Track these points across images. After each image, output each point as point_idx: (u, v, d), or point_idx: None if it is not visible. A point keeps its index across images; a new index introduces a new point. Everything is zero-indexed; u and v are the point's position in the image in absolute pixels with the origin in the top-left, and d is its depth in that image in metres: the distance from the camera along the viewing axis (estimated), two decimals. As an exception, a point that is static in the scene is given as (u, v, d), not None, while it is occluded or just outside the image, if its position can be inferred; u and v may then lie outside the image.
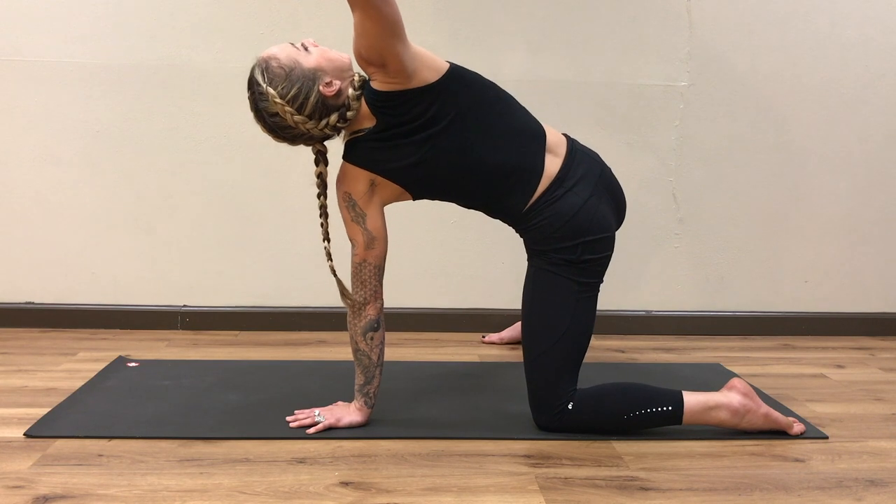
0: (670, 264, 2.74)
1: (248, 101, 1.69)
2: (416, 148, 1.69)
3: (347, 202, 1.72)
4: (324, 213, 1.77)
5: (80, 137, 2.53)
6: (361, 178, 1.72)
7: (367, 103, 1.68)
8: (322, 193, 1.75)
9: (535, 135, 1.78)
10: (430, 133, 1.67)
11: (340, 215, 1.75)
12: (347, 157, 1.74)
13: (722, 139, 2.67)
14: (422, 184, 1.75)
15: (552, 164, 1.77)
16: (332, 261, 1.78)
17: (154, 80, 2.51)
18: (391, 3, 1.53)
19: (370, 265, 1.73)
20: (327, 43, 2.52)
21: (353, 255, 1.74)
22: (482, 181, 1.75)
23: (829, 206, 2.74)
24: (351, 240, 1.74)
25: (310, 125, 1.65)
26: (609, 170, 1.86)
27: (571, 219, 1.74)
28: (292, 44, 1.68)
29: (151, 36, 2.49)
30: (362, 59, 1.62)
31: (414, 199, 1.81)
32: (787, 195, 2.72)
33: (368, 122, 1.70)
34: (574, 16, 2.57)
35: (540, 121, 1.83)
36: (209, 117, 2.54)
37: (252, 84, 1.66)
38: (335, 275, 1.78)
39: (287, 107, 1.62)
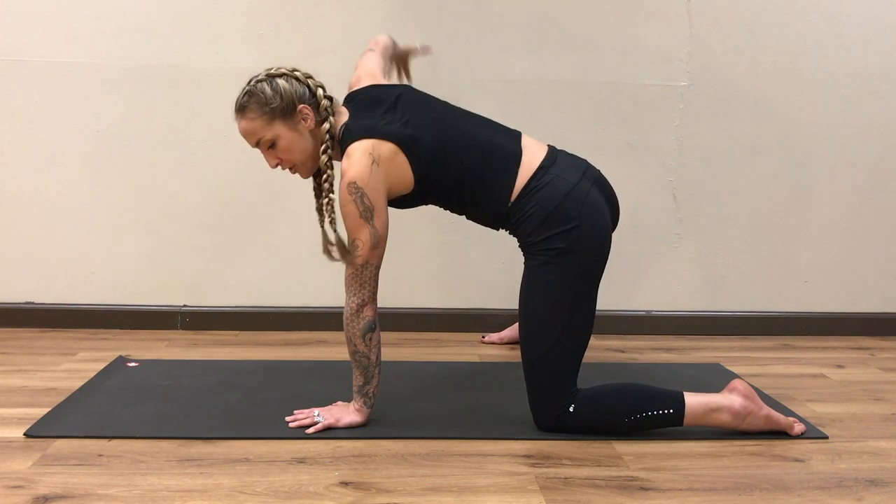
0: (670, 264, 2.74)
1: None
2: (399, 114, 1.77)
3: (355, 193, 1.67)
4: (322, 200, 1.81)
5: (80, 137, 2.53)
6: (363, 154, 1.69)
7: (344, 104, 1.86)
8: (326, 183, 1.76)
9: (507, 128, 1.88)
10: (404, 108, 1.79)
11: (342, 217, 1.72)
12: (343, 142, 1.75)
13: (722, 139, 2.67)
14: (417, 150, 1.74)
15: (533, 156, 1.80)
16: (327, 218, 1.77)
17: (154, 80, 2.51)
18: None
19: (372, 266, 1.72)
20: (326, 42, 2.53)
21: (356, 256, 1.70)
22: (469, 155, 1.77)
23: (829, 206, 2.74)
24: (354, 241, 1.70)
25: (308, 81, 1.77)
26: (596, 169, 1.87)
27: (562, 201, 1.73)
28: None
29: (151, 36, 2.49)
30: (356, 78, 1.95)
31: (413, 187, 1.78)
32: (786, 195, 2.72)
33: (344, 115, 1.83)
34: (574, 16, 2.57)
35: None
36: (209, 117, 2.54)
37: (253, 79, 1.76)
38: (326, 229, 1.76)
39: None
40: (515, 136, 1.85)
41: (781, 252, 2.76)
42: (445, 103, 1.89)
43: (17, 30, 2.46)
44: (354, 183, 1.67)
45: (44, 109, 2.51)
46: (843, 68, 2.65)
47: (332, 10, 2.50)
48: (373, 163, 1.69)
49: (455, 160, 1.77)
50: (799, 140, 2.69)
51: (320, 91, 1.76)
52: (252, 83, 1.73)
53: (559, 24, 2.57)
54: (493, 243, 2.63)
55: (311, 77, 1.78)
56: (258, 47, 2.50)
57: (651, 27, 2.59)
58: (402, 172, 1.74)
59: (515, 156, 1.79)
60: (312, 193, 1.87)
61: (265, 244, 2.63)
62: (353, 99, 1.86)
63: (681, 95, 2.64)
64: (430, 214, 2.56)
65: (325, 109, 1.75)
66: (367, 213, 1.68)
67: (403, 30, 2.52)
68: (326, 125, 1.74)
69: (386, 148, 1.71)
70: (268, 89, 1.71)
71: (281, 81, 1.72)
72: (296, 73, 1.75)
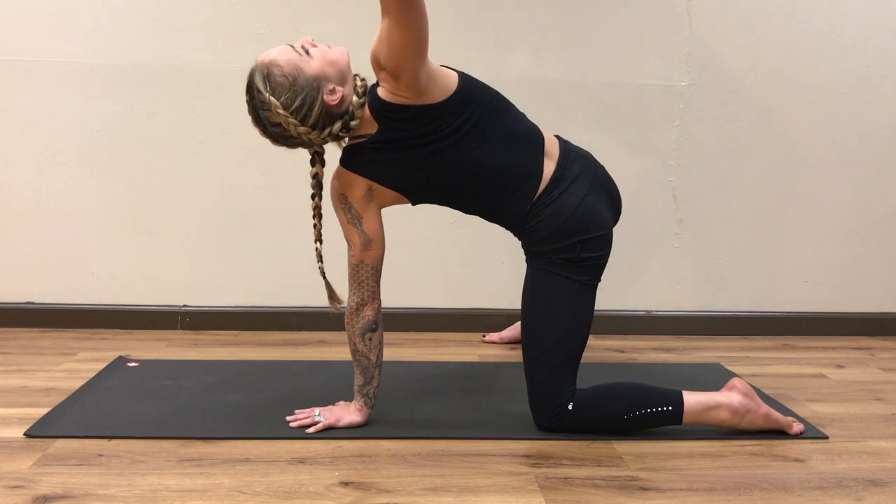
0: (670, 264, 2.74)
1: (246, 105, 1.65)
2: (418, 160, 1.68)
3: (343, 205, 1.72)
4: (317, 215, 1.74)
5: (80, 137, 2.53)
6: (359, 184, 1.71)
7: (371, 110, 1.67)
8: (317, 194, 1.73)
9: (534, 140, 1.78)
10: (433, 149, 1.67)
11: (336, 216, 1.75)
12: (346, 163, 1.73)
13: (722, 139, 2.67)
14: (420, 190, 1.75)
15: (548, 167, 1.77)
16: (322, 262, 1.78)
17: (154, 80, 2.51)
18: (423, 19, 1.52)
19: (367, 266, 1.73)
20: (326, 42, 2.52)
21: (350, 255, 1.73)
22: (482, 188, 1.75)
23: (829, 205, 2.74)
24: (347, 241, 1.74)
25: (313, 135, 1.63)
26: (602, 168, 1.87)
27: (569, 217, 1.74)
28: (292, 46, 1.64)
29: (151, 36, 2.49)
30: (378, 64, 1.61)
31: (413, 204, 1.81)
32: (786, 195, 2.72)
33: (370, 127, 1.68)
34: (574, 16, 2.57)
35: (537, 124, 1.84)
36: (209, 117, 2.54)
37: (252, 90, 1.61)
38: (325, 277, 1.80)
39: (291, 118, 1.60)
40: (538, 147, 1.77)
41: (781, 252, 2.76)
42: (483, 126, 1.70)
43: (17, 30, 2.46)
44: (345, 197, 1.71)
45: (44, 109, 2.51)
46: (843, 69, 2.65)
47: (332, 10, 2.50)
48: (369, 190, 1.72)
49: (465, 196, 1.78)
50: (799, 140, 2.69)
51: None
52: (263, 128, 1.65)
53: (559, 24, 2.57)
54: (492, 243, 2.63)
55: (334, 135, 1.68)
56: (258, 47, 2.48)
57: (651, 27, 2.59)
58: (401, 200, 1.78)
59: (535, 178, 1.74)
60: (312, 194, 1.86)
61: (265, 244, 2.63)
62: (388, 112, 1.67)
63: (681, 95, 2.63)
64: (430, 215, 2.57)
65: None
66: (356, 220, 1.71)
67: (403, 30, 2.51)
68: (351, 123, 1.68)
69: (385, 188, 1.73)
70: (275, 139, 1.67)
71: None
72: (316, 130, 1.66)
